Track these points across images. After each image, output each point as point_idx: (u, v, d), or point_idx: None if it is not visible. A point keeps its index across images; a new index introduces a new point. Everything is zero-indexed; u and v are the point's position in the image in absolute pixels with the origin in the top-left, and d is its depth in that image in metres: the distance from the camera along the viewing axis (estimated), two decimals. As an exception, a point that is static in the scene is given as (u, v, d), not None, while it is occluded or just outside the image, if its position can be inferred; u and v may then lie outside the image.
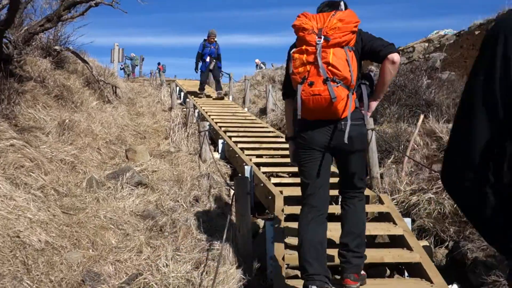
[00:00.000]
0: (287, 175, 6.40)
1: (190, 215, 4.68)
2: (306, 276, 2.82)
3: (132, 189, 5.27)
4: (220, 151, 7.94)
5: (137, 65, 31.51)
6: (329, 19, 2.78)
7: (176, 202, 5.04)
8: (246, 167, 5.93)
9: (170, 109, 11.15)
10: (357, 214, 3.04)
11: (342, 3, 2.97)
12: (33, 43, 8.14)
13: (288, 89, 3.05)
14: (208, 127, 9.30)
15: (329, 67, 2.70)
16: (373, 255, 3.51)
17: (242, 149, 7.15)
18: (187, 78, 26.14)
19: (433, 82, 7.75)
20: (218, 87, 13.15)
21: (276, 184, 5.48)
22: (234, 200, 3.86)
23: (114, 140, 7.51)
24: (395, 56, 2.81)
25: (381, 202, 4.70)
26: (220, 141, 7.96)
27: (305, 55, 2.77)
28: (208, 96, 13.32)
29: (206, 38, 12.68)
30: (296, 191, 5.03)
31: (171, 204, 4.95)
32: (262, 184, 5.46)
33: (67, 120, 7.15)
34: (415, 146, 6.37)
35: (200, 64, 12.79)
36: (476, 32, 11.65)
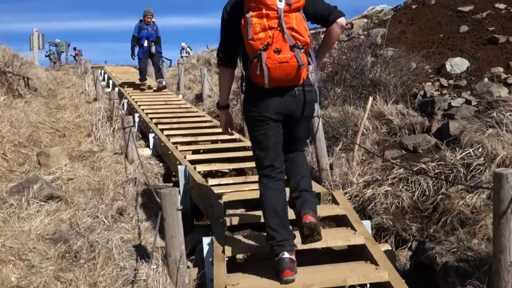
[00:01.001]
0: (228, 172, 5.70)
1: (112, 235, 3.87)
2: (276, 243, 2.87)
3: (41, 205, 4.36)
4: (151, 147, 7.09)
5: (63, 52, 29.48)
6: None
7: (96, 218, 4.20)
8: (179, 167, 5.16)
9: (95, 100, 10.08)
10: (301, 158, 3.13)
11: None
12: None
13: (230, 55, 2.96)
14: (136, 120, 8.44)
15: (293, 33, 2.65)
16: (334, 277, 2.91)
17: (175, 144, 6.36)
18: (118, 64, 24.69)
19: (377, 61, 7.27)
20: (159, 75, 11.29)
21: (215, 185, 4.78)
22: (161, 218, 3.11)
23: (24, 142, 6.47)
24: (343, 21, 2.89)
25: (335, 201, 4.11)
26: (151, 136, 7.10)
27: (265, 20, 2.65)
28: (150, 88, 11.48)
29: (141, 19, 10.84)
30: (240, 195, 4.37)
31: (89, 222, 4.12)
32: (198, 187, 4.73)
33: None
34: (364, 131, 5.86)
35: (137, 49, 10.93)
36: (413, 6, 11.37)
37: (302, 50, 2.68)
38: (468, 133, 4.64)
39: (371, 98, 5.46)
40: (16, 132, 6.63)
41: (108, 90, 13.94)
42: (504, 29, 7.78)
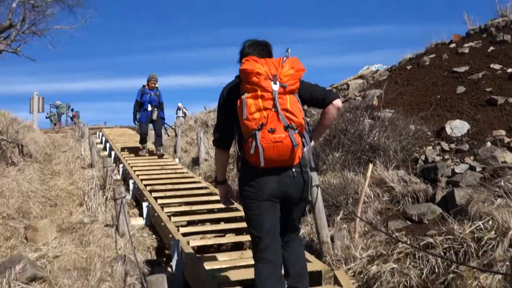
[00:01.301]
0: (224, 244, 5.41)
1: (95, 325, 3.55)
2: None
3: (22, 287, 4.06)
4: (145, 216, 6.84)
5: (63, 114, 29.82)
6: (281, 65, 2.80)
7: (79, 303, 3.89)
8: (172, 241, 4.89)
9: (91, 165, 9.91)
10: (300, 256, 3.11)
11: (289, 50, 2.91)
12: None
13: (225, 137, 3.02)
14: (130, 187, 8.22)
15: (287, 114, 2.72)
16: None
17: (169, 214, 6.11)
18: (117, 125, 24.79)
19: (375, 123, 7.15)
20: (159, 142, 10.94)
21: (209, 261, 4.48)
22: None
23: (13, 213, 6.23)
24: (339, 102, 3.02)
25: (337, 282, 3.82)
26: (145, 204, 6.86)
27: (260, 101, 2.73)
28: (151, 153, 11.18)
29: (145, 84, 10.63)
30: (235, 274, 4.07)
31: (71, 308, 3.80)
32: (191, 264, 4.44)
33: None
34: (366, 199, 5.63)
35: (139, 114, 10.65)
36: (408, 67, 11.46)
37: (297, 131, 2.73)
38: (475, 203, 4.41)
39: (371, 166, 5.28)
40: (5, 203, 6.40)
41: (105, 153, 13.83)
42: (501, 90, 7.73)
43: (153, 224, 6.49)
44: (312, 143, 3.12)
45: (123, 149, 12.04)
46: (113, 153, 12.31)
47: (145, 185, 7.82)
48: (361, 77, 13.90)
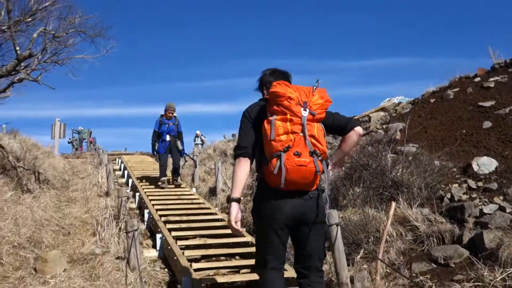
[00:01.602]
0: (238, 283, 5.17)
1: None
2: None
3: (26, 324, 3.89)
4: (158, 248, 6.65)
5: (85, 139, 30.12)
6: (312, 94, 2.89)
7: None
8: (184, 278, 4.68)
9: (107, 194, 9.82)
10: None
11: (319, 81, 2.96)
12: None
13: (249, 148, 2.95)
14: (145, 217, 8.08)
15: (313, 140, 2.79)
16: None
17: (183, 248, 5.92)
18: (137, 151, 24.90)
19: (398, 158, 6.91)
20: (176, 173, 10.73)
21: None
22: None
23: (24, 243, 6.10)
24: (361, 129, 3.10)
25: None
26: (159, 236, 6.68)
27: (289, 124, 2.78)
28: (168, 182, 10.75)
29: (162, 113, 10.21)
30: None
31: None
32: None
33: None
34: (388, 237, 5.36)
35: (158, 144, 10.24)
36: (431, 100, 11.24)
37: (320, 158, 2.78)
38: (506, 247, 4.13)
39: (393, 204, 5.03)
40: (17, 231, 6.30)
41: (123, 180, 13.78)
42: (530, 126, 7.46)
43: (166, 256, 6.30)
44: (330, 167, 3.18)
45: (140, 177, 11.96)
46: (130, 180, 12.25)
47: (160, 216, 7.66)
48: (383, 109, 13.69)
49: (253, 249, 5.96)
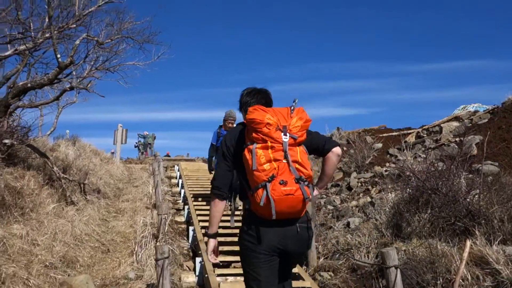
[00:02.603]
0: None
1: None
2: None
3: None
4: (197, 274, 6.09)
5: (150, 144, 30.58)
6: (290, 116, 2.78)
7: None
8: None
9: (155, 206, 9.45)
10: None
11: (296, 100, 2.87)
12: (-24, 137, 6.72)
13: (226, 187, 2.92)
14: (190, 234, 7.55)
15: (297, 165, 2.69)
16: None
17: (221, 275, 5.30)
18: (198, 157, 24.86)
19: (474, 181, 5.89)
20: (234, 195, 8.57)
21: None
22: None
23: (56, 262, 5.76)
24: (339, 149, 2.96)
25: None
26: (198, 260, 6.13)
27: (270, 151, 2.69)
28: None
29: (221, 124, 8.30)
30: None
31: None
32: None
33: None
34: (461, 281, 4.43)
35: (215, 160, 8.46)
36: (514, 110, 9.92)
37: (306, 183, 2.68)
38: None
39: (468, 243, 4.09)
40: (50, 248, 5.98)
41: (177, 190, 13.48)
42: None
43: (204, 283, 5.71)
44: (316, 192, 3.06)
45: (192, 188, 11.54)
46: (182, 191, 11.88)
47: (204, 235, 7.10)
48: (456, 118, 12.42)
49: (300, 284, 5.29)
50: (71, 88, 8.75)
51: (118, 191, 11.99)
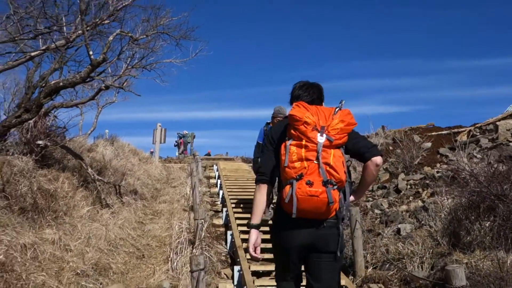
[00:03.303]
0: None
1: None
2: None
3: None
4: (235, 283, 5.70)
5: (189, 143, 30.56)
6: (332, 117, 2.74)
7: None
8: None
9: (192, 208, 9.13)
10: None
11: (343, 102, 2.85)
12: (10, 138, 6.57)
13: (271, 174, 2.88)
14: (228, 240, 7.17)
15: (328, 168, 2.63)
16: None
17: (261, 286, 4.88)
18: (237, 156, 24.60)
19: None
20: None
21: None
22: None
23: (88, 269, 5.50)
24: (378, 159, 2.83)
25: None
26: (236, 269, 5.74)
27: (303, 150, 2.66)
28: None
29: (269, 121, 7.54)
30: None
31: None
32: None
33: (25, 245, 5.33)
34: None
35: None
36: None
37: (336, 187, 2.63)
38: None
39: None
40: (83, 256, 5.73)
41: (216, 190, 13.17)
42: None
43: (243, 295, 5.31)
44: (352, 198, 2.96)
45: (231, 189, 11.18)
46: (221, 192, 11.55)
47: (243, 240, 6.70)
48: (512, 115, 11.52)
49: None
50: (107, 87, 8.53)
51: (156, 192, 11.79)
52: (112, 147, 13.49)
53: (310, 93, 2.99)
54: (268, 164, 2.89)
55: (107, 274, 5.68)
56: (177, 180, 13.98)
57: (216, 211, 10.55)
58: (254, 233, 2.86)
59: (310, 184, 2.59)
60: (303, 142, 2.66)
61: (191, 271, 4.50)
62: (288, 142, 2.70)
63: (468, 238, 5.48)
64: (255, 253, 2.83)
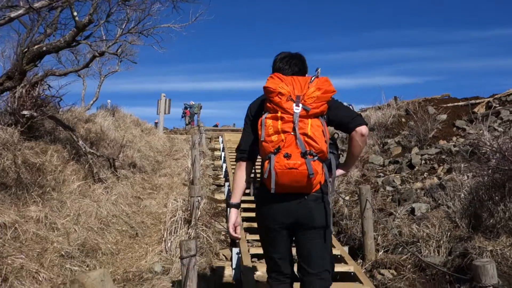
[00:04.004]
0: None
1: None
2: None
3: None
4: (234, 266, 5.26)
5: (196, 113, 30.06)
6: (307, 86, 2.62)
7: None
8: None
9: (193, 183, 8.65)
10: None
11: (319, 70, 2.90)
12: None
13: (250, 150, 2.81)
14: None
15: (307, 139, 2.54)
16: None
17: (259, 277, 4.42)
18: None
19: None
20: None
21: None
22: None
23: (74, 251, 5.05)
24: (363, 129, 2.71)
25: None
26: (235, 251, 5.28)
27: (279, 122, 2.57)
28: None
29: None
30: None
31: None
32: None
33: (5, 224, 4.90)
34: None
35: None
36: None
37: (316, 158, 2.53)
38: None
39: None
40: (69, 235, 5.29)
41: (220, 163, 12.71)
42: None
43: (242, 283, 4.85)
44: (340, 171, 2.92)
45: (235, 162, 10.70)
46: (224, 166, 11.08)
47: (244, 219, 6.25)
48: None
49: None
50: (101, 54, 7.99)
51: (157, 165, 11.34)
52: (112, 118, 13.01)
53: (291, 65, 2.83)
54: (247, 141, 2.82)
55: (95, 255, 5.23)
56: (180, 152, 13.52)
57: (219, 186, 10.11)
58: (233, 212, 2.84)
59: (288, 156, 2.50)
60: (279, 114, 2.56)
61: (181, 258, 4.02)
62: (264, 116, 2.61)
63: (491, 221, 4.95)
64: (235, 233, 2.81)
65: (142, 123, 15.76)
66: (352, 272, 4.75)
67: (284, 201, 2.64)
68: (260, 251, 5.36)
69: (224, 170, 10.83)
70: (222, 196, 8.84)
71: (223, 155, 12.66)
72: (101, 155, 7.20)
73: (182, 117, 29.74)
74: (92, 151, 6.95)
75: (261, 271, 4.70)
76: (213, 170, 11.81)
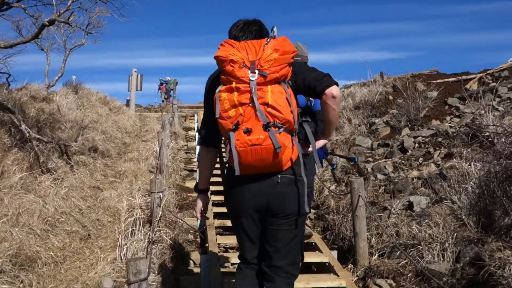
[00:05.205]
0: None
1: None
2: None
3: None
4: (202, 276, 4.40)
5: (172, 89, 28.88)
6: (262, 49, 2.29)
7: None
8: None
9: (160, 170, 7.71)
10: None
11: (274, 29, 2.75)
12: None
13: (210, 134, 2.52)
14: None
15: (268, 109, 2.23)
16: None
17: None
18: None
19: None
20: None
21: None
22: None
23: (4, 263, 4.12)
24: (334, 90, 2.32)
25: None
26: (204, 258, 4.42)
27: (235, 94, 2.24)
28: None
29: None
30: None
31: None
32: None
33: None
34: None
35: None
36: None
37: (282, 129, 2.22)
38: None
39: None
40: (4, 240, 4.34)
41: (194, 144, 11.79)
42: None
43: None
44: (322, 141, 2.60)
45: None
46: (197, 148, 10.16)
47: (216, 216, 5.38)
48: (529, 60, 10.11)
49: None
50: (51, 22, 6.93)
51: (124, 148, 10.35)
52: (75, 96, 11.89)
53: (247, 32, 2.45)
54: (207, 123, 2.52)
55: (33, 267, 4.31)
56: (150, 132, 12.52)
57: (191, 171, 9.21)
58: (201, 198, 2.72)
59: (248, 131, 2.20)
60: (233, 85, 2.23)
61: (128, 283, 3.12)
62: (217, 89, 2.28)
63: (506, 220, 4.19)
64: (202, 216, 2.73)
65: (110, 101, 14.63)
66: (343, 287, 3.94)
67: (254, 182, 2.34)
68: (228, 240, 4.59)
69: (197, 153, 9.92)
70: (194, 184, 7.96)
71: (197, 136, 11.72)
72: (49, 141, 6.19)
73: (159, 93, 28.63)
74: (38, 136, 5.93)
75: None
76: (186, 152, 10.88)
